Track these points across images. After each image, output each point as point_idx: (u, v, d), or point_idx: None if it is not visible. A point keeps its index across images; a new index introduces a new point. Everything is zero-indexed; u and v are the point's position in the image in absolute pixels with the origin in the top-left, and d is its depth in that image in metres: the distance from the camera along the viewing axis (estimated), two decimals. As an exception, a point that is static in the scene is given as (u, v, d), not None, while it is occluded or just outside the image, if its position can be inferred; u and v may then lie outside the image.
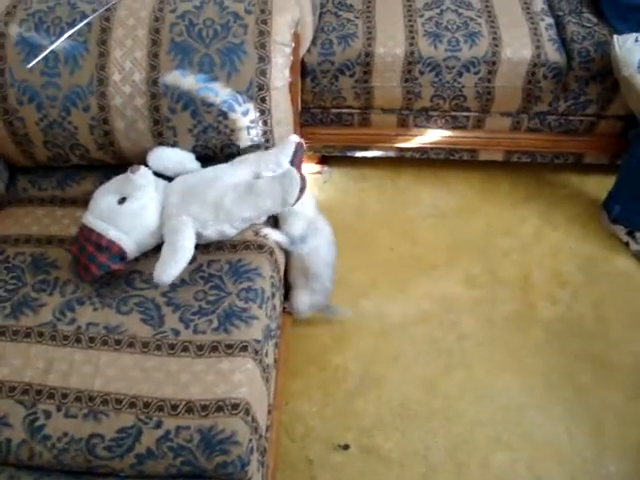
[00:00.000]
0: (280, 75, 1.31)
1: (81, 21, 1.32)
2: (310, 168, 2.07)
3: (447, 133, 1.87)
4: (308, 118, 1.85)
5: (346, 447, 1.50)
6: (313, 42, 1.71)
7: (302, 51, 1.66)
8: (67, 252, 1.29)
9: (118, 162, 1.43)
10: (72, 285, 1.24)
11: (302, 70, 1.70)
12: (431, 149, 1.93)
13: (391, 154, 1.98)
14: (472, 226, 1.93)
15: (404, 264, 1.83)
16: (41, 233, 1.34)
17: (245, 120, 1.33)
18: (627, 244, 1.83)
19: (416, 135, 1.88)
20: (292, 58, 1.35)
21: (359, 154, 1.99)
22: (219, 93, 1.30)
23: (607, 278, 1.79)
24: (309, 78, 1.73)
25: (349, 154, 2.00)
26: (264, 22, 1.31)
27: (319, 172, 2.08)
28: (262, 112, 1.33)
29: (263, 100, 1.31)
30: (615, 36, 1.55)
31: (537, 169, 2.06)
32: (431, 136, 1.88)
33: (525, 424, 1.52)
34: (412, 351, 1.66)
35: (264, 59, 1.29)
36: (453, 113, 1.81)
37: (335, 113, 1.84)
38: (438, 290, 1.78)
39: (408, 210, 1.98)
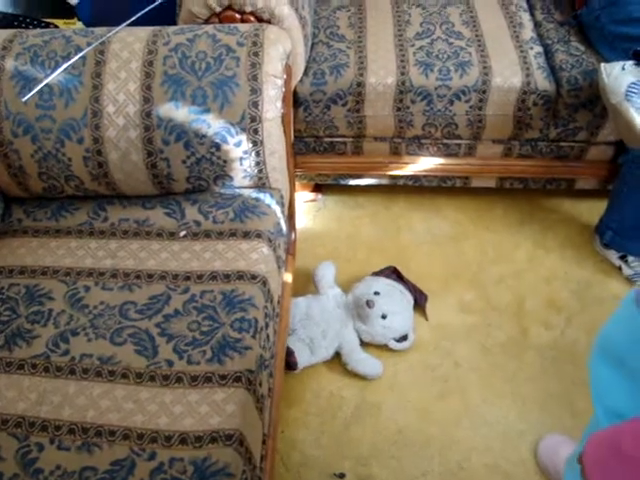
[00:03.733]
0: (272, 107, 1.33)
1: (76, 54, 1.34)
2: (304, 196, 2.09)
3: (439, 160, 1.88)
4: (301, 147, 1.87)
5: (342, 476, 1.49)
6: (305, 72, 1.73)
7: (294, 82, 1.68)
8: (61, 283, 1.30)
9: (112, 193, 1.44)
10: (66, 316, 1.24)
11: (294, 100, 1.72)
12: (424, 176, 1.94)
13: (384, 182, 1.99)
14: (466, 252, 1.94)
15: (399, 291, 1.84)
16: (35, 264, 1.34)
17: (238, 151, 1.35)
18: (620, 268, 1.84)
19: (408, 163, 1.89)
20: (284, 89, 1.36)
21: (352, 182, 2.01)
22: (212, 125, 1.31)
23: (601, 303, 1.80)
24: (302, 108, 1.75)
25: (342, 182, 2.01)
26: (255, 54, 1.33)
27: (313, 200, 2.09)
28: (255, 143, 1.34)
29: (255, 131, 1.33)
30: (602, 64, 1.57)
31: (530, 195, 2.07)
32: (423, 164, 1.89)
33: (522, 451, 1.52)
34: (407, 378, 1.66)
35: (256, 91, 1.31)
36: (445, 141, 1.83)
37: (328, 142, 1.86)
38: (432, 317, 1.78)
39: (402, 237, 1.99)
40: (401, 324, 1.69)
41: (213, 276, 1.28)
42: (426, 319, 1.78)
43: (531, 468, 1.49)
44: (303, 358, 1.62)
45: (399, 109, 1.74)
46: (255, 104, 1.31)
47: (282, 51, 1.36)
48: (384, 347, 1.70)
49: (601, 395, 0.94)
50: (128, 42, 1.36)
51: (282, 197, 1.48)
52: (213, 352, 1.17)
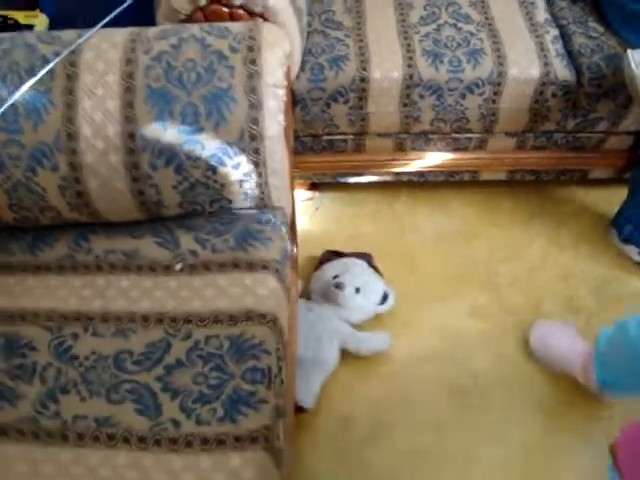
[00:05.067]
0: (274, 122, 1.17)
1: (42, 67, 1.15)
2: (300, 195, 1.93)
3: (447, 155, 1.74)
4: (298, 146, 1.70)
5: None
6: (302, 67, 1.55)
7: (291, 78, 1.51)
8: (44, 330, 1.15)
9: (95, 220, 1.28)
10: (53, 370, 1.10)
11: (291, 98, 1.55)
12: (430, 172, 1.80)
13: (387, 178, 1.85)
14: (475, 251, 1.82)
15: (405, 297, 1.71)
16: (12, 306, 1.18)
17: (237, 174, 1.19)
18: (639, 265, 1.74)
19: (414, 159, 1.74)
20: (285, 99, 1.20)
21: (352, 180, 1.86)
22: (206, 146, 1.15)
23: (620, 301, 1.70)
24: (299, 107, 1.58)
25: (342, 180, 1.86)
26: (253, 62, 1.16)
27: (310, 199, 1.94)
28: (256, 164, 1.18)
29: (256, 151, 1.17)
30: (629, 51, 1.42)
31: (540, 186, 1.95)
32: (430, 159, 1.75)
33: (551, 469, 1.43)
34: (422, 393, 1.56)
35: (255, 105, 1.15)
36: (454, 135, 1.68)
37: (327, 140, 1.70)
38: (444, 324, 1.67)
39: (406, 237, 1.86)
40: (376, 286, 1.66)
41: (218, 318, 1.14)
42: (382, 276, 1.72)
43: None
44: (320, 377, 1.55)
45: (406, 105, 1.58)
46: (255, 120, 1.15)
47: (282, 54, 1.19)
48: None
49: None
50: (102, 50, 1.18)
51: (285, 215, 1.34)
52: (225, 409, 1.04)
